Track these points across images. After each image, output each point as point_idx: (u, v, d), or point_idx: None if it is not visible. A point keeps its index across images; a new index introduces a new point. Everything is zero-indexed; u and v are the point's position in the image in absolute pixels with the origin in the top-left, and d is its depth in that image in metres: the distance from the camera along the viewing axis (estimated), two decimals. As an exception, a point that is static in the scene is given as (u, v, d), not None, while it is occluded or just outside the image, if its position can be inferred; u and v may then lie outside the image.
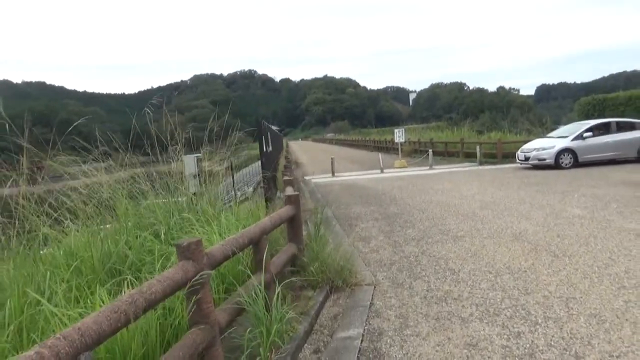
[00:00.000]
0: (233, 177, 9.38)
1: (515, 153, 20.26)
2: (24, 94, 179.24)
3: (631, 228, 7.25)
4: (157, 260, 4.07)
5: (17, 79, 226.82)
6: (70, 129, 6.14)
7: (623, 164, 16.37)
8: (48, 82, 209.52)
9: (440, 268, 5.90)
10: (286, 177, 8.27)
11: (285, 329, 3.94)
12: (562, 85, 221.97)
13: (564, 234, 7.18)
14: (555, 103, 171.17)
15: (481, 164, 20.83)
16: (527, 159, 17.43)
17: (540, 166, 16.92)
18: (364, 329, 4.28)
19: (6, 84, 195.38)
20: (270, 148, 13.49)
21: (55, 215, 4.75)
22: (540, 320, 4.15)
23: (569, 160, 16.57)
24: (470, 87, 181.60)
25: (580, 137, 16.68)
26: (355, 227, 8.94)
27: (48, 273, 3.62)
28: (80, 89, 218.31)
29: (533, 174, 15.67)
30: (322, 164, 28.39)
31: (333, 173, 20.56)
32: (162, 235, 4.82)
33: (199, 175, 9.28)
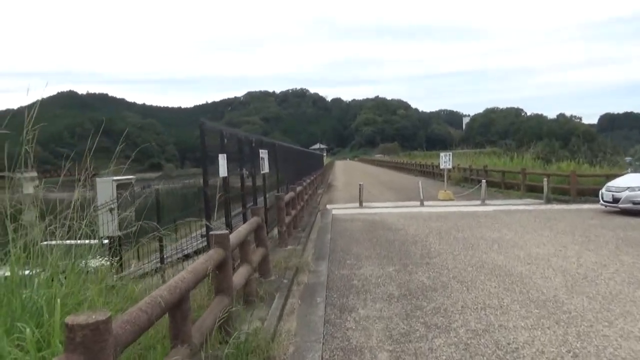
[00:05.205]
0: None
1: (594, 190, 15.91)
2: (87, 104, 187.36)
3: None
4: None
5: (82, 90, 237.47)
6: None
7: None
8: (110, 94, 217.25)
9: None
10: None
11: None
12: (628, 115, 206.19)
13: None
14: (620, 133, 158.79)
15: (549, 201, 16.49)
16: (616, 200, 13.04)
17: (636, 212, 12.51)
18: None
19: (71, 95, 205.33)
20: (266, 170, 10.05)
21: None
22: None
23: (679, 206, 12.12)
24: (528, 113, 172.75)
25: (696, 174, 12.22)
26: (348, 316, 5.27)
27: None
28: (139, 101, 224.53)
29: (629, 223, 11.34)
30: (356, 188, 24.75)
31: (361, 203, 16.89)
32: None
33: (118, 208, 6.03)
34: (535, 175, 19.90)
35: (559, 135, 67.95)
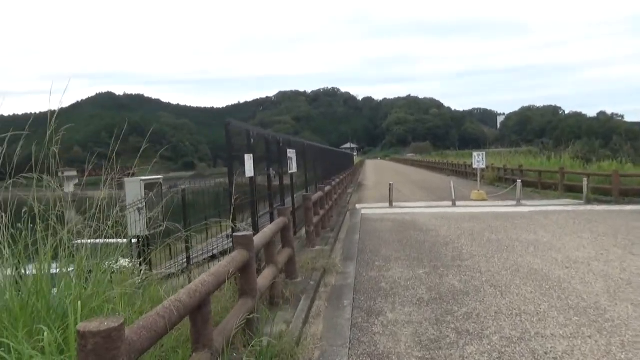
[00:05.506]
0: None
1: (638, 190, 15.22)
2: (124, 105, 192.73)
3: None
4: None
5: (119, 91, 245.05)
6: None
7: None
8: (146, 95, 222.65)
9: None
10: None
11: None
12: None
13: None
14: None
15: (589, 202, 15.82)
16: (662, 201, 12.39)
17: (683, 213, 11.85)
18: None
19: (109, 96, 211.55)
20: (294, 169, 9.99)
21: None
22: None
23: None
24: (566, 111, 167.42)
25: None
26: (376, 320, 5.12)
27: None
28: (174, 102, 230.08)
29: (676, 225, 10.74)
30: (387, 188, 24.46)
31: (391, 203, 16.63)
32: None
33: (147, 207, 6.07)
34: (574, 175, 19.15)
35: (600, 134, 65.50)
